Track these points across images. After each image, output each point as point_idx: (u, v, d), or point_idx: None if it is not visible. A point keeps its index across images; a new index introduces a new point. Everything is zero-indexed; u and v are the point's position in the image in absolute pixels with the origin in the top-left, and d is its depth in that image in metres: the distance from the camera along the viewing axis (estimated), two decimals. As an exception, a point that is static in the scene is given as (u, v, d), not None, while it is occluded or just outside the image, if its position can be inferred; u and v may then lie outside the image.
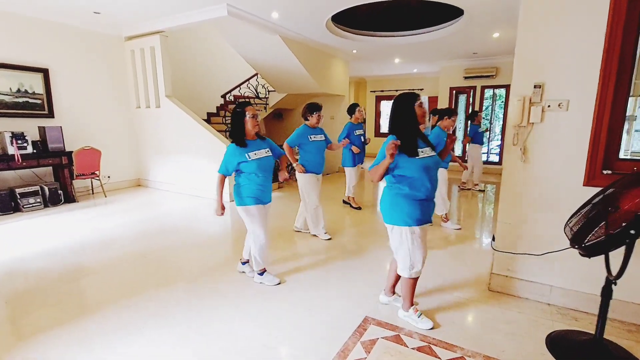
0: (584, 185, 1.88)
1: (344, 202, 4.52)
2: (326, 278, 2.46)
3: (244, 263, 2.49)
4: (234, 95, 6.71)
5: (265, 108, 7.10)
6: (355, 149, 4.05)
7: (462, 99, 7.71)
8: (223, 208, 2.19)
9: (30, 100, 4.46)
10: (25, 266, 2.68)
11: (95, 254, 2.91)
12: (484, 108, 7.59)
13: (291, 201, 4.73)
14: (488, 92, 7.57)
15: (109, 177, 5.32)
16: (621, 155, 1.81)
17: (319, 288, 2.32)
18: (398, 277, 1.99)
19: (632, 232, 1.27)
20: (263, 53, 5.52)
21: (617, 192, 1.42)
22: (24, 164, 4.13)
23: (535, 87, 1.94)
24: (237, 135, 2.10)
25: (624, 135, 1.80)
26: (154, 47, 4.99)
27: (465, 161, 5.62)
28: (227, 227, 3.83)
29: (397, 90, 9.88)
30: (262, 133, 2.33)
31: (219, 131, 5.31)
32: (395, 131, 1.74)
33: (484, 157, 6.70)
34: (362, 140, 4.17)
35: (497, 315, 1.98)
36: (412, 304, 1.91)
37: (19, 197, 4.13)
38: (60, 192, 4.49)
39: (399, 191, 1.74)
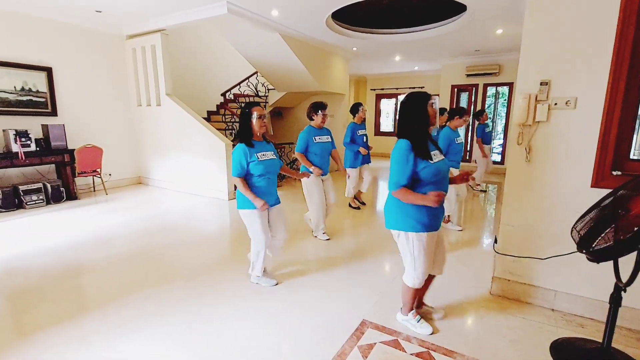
0: (592, 187, 1.80)
1: (350, 206, 4.36)
2: (324, 279, 2.42)
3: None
4: (234, 94, 6.68)
5: (264, 106, 7.07)
6: (363, 150, 3.98)
7: (464, 97, 7.60)
8: (262, 200, 2.07)
9: (34, 99, 4.48)
10: (26, 263, 2.68)
11: (96, 252, 2.91)
12: (486, 106, 7.47)
13: (290, 201, 4.69)
14: (491, 90, 7.44)
15: (110, 174, 5.33)
16: (632, 156, 1.73)
17: (316, 289, 2.27)
18: (424, 293, 1.93)
19: (644, 237, 1.20)
20: (263, 51, 5.48)
21: (629, 195, 1.35)
22: (27, 161, 4.15)
23: (541, 84, 1.86)
24: (244, 135, 2.09)
25: (635, 135, 1.72)
26: (154, 45, 4.97)
27: (474, 161, 5.54)
28: (225, 226, 3.80)
29: (397, 89, 9.78)
30: (270, 134, 2.30)
31: (219, 129, 5.28)
32: (407, 133, 1.61)
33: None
34: (365, 140, 4.09)
35: (498, 321, 1.92)
36: (412, 309, 1.85)
37: (22, 194, 4.15)
38: (62, 189, 4.51)
39: None
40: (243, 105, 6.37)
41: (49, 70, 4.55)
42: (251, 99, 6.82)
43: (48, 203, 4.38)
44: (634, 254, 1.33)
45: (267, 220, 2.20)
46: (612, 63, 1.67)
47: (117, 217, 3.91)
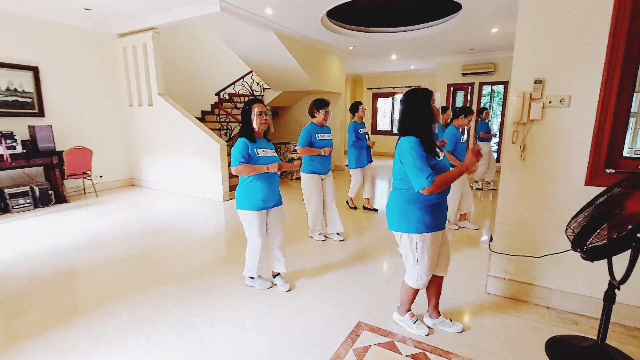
0: (586, 185, 1.80)
1: (364, 207, 4.26)
2: (320, 281, 2.39)
3: (274, 276, 2.33)
4: (229, 94, 6.61)
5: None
6: (371, 143, 4.02)
7: (460, 95, 7.62)
8: (275, 164, 2.04)
9: (20, 99, 4.36)
10: (15, 268, 2.61)
11: (86, 255, 2.85)
12: (482, 105, 7.51)
13: (287, 202, 4.64)
14: (486, 89, 7.49)
15: (101, 176, 5.23)
16: (625, 154, 1.74)
17: (312, 291, 2.25)
18: (438, 296, 1.83)
19: (639, 235, 1.19)
20: (257, 50, 5.42)
21: (622, 193, 1.34)
22: (14, 164, 4.04)
23: (535, 82, 1.86)
24: (246, 131, 2.09)
25: (629, 133, 1.72)
26: (145, 44, 4.89)
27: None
28: (220, 227, 3.75)
29: (394, 88, 9.78)
30: (272, 132, 2.28)
31: (213, 130, 5.21)
32: (412, 130, 1.55)
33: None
34: (367, 138, 4.08)
35: (494, 320, 1.91)
36: (409, 309, 1.83)
37: (8, 197, 4.04)
38: (51, 192, 4.41)
39: (412, 196, 1.58)
40: (239, 104, 6.33)
41: (35, 70, 4.44)
42: (246, 99, 6.75)
43: (36, 206, 4.28)
44: (627, 252, 1.32)
45: (265, 222, 2.16)
46: (606, 61, 1.67)
47: (108, 219, 3.84)
